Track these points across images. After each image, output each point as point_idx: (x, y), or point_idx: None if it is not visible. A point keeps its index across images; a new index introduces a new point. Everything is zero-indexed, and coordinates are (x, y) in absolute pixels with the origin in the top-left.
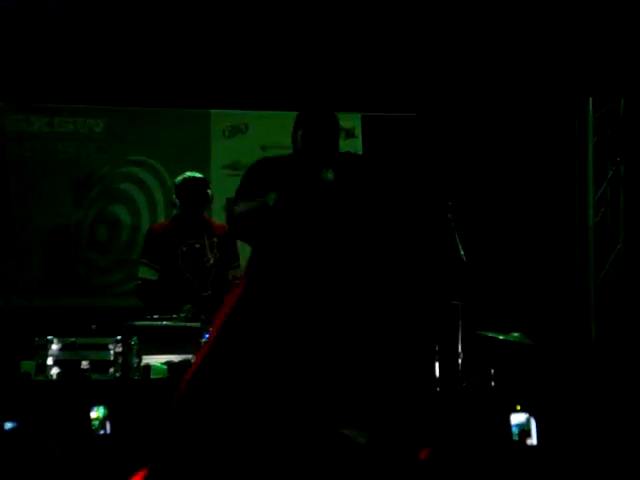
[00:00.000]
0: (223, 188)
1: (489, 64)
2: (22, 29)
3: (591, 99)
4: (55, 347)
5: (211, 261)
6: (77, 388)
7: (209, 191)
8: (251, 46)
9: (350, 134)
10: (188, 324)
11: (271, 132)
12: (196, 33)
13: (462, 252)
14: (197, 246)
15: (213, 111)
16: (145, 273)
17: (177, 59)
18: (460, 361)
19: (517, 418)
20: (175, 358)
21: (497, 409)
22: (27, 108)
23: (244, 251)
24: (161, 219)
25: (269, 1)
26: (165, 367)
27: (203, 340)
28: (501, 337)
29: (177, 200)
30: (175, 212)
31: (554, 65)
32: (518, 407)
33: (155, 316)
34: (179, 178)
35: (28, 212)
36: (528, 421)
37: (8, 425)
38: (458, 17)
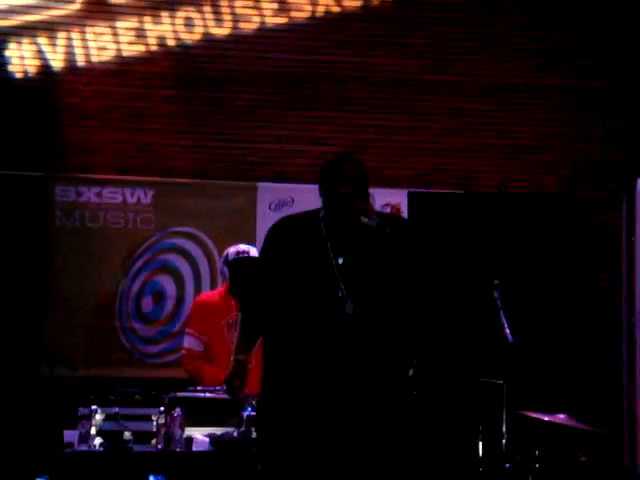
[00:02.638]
0: None
1: (538, 143)
2: (71, 100)
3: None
4: (98, 417)
5: None
6: (120, 459)
7: None
8: (298, 120)
9: (395, 209)
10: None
11: (317, 206)
12: (242, 106)
13: (508, 331)
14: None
15: (260, 184)
16: (191, 343)
17: (225, 132)
18: (504, 441)
19: None
20: (218, 431)
21: None
22: (76, 179)
23: None
24: (206, 290)
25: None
26: (207, 439)
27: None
28: (546, 418)
29: (227, 271)
30: (222, 283)
31: (604, 145)
32: None
33: (198, 387)
34: (233, 250)
35: (75, 282)
36: None
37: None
38: (512, 93)
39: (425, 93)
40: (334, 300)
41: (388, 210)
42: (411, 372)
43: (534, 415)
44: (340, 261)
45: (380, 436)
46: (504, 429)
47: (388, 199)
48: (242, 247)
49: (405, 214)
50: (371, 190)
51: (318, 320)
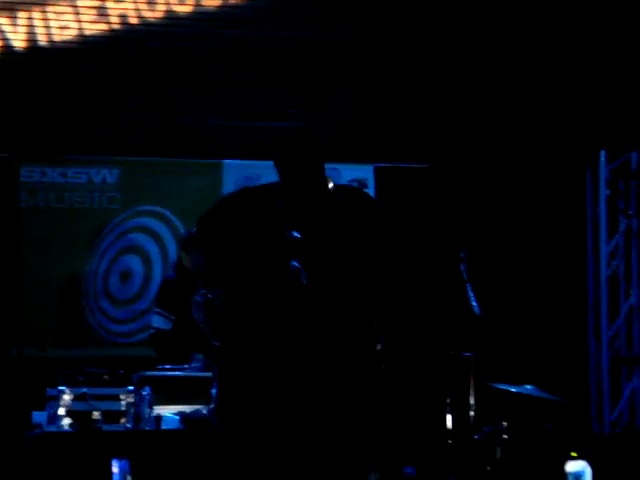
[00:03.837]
0: None
1: (502, 115)
2: (35, 81)
3: (604, 152)
4: (67, 398)
5: None
6: (89, 439)
7: None
8: (264, 97)
9: (362, 184)
10: (200, 374)
11: None
12: (206, 84)
13: (475, 304)
14: (210, 296)
15: (226, 161)
16: (159, 323)
17: (190, 110)
18: (472, 413)
19: (573, 466)
20: (187, 409)
21: (551, 457)
22: (41, 159)
23: None
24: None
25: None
26: (177, 417)
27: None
28: (514, 389)
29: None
30: None
31: (567, 117)
32: (574, 454)
33: (167, 366)
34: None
35: (41, 262)
36: (584, 469)
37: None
38: (472, 68)
39: (388, 68)
40: (289, 272)
41: (354, 185)
42: (379, 347)
43: (502, 387)
44: (296, 234)
45: (345, 410)
46: (472, 401)
47: (355, 174)
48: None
49: (371, 189)
50: (337, 165)
51: (273, 291)
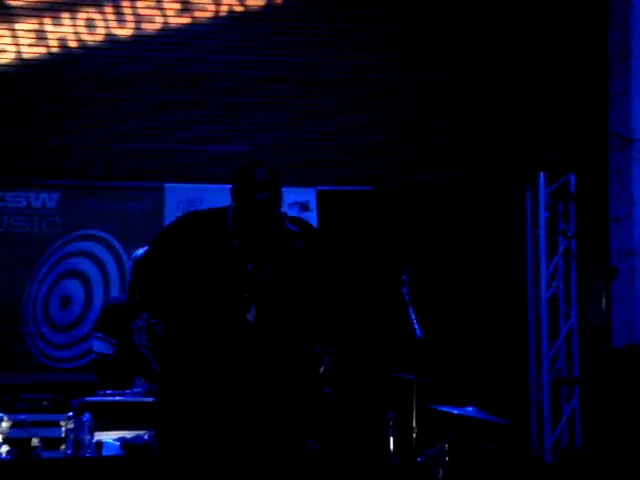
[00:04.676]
0: None
1: (443, 137)
2: None
3: (542, 174)
4: (5, 425)
5: None
6: (28, 466)
7: None
8: (203, 121)
9: (304, 207)
10: (141, 399)
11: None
12: (146, 107)
13: (417, 326)
14: (152, 321)
15: (167, 185)
16: (101, 347)
17: (130, 134)
18: (414, 435)
19: None
20: (128, 434)
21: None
22: None
23: None
24: (114, 293)
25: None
26: (117, 443)
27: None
28: (455, 411)
29: None
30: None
31: (505, 140)
32: None
33: (108, 391)
34: (142, 252)
35: None
36: None
37: None
38: (414, 88)
39: (331, 90)
40: (237, 306)
41: (296, 208)
42: (322, 370)
43: (443, 409)
44: (249, 267)
45: (285, 433)
46: (414, 423)
47: (296, 198)
48: (152, 245)
49: (314, 212)
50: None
51: (217, 323)
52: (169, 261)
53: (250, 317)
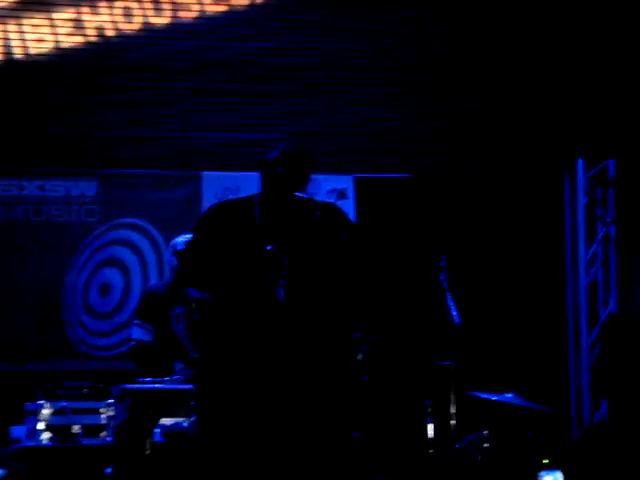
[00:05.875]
0: None
1: (482, 124)
2: (11, 93)
3: (581, 160)
4: (46, 412)
5: None
6: (69, 453)
7: None
8: (244, 108)
9: (341, 195)
10: (180, 387)
11: None
12: (184, 95)
13: (455, 313)
14: (190, 308)
15: (205, 173)
16: (140, 334)
17: (168, 122)
18: (453, 422)
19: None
20: (167, 421)
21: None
22: (18, 173)
23: None
24: (153, 281)
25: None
26: (157, 430)
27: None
28: (494, 398)
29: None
30: (169, 273)
31: (544, 126)
32: (546, 461)
33: (147, 379)
34: (181, 241)
35: (21, 276)
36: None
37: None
38: (453, 77)
39: (368, 77)
40: (265, 287)
41: (334, 195)
42: (360, 356)
43: (482, 395)
44: (270, 247)
45: (324, 420)
46: (453, 410)
47: (334, 185)
48: (189, 238)
49: (351, 199)
50: (316, 176)
51: (250, 306)
52: (204, 251)
53: (280, 296)
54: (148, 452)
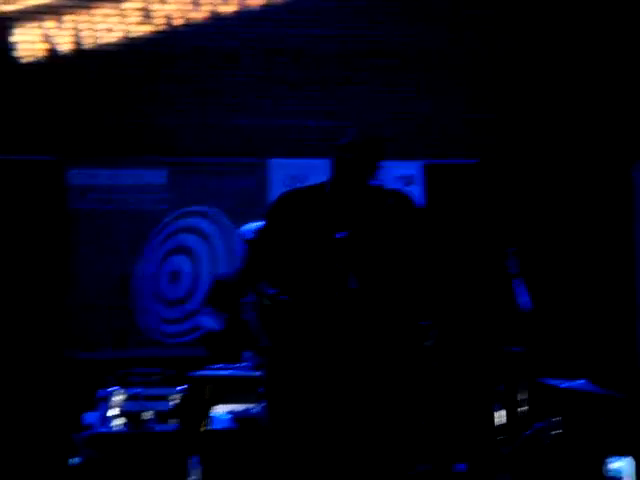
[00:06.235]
0: None
1: (552, 111)
2: (82, 83)
3: None
4: (118, 398)
5: None
6: (141, 439)
7: None
8: (310, 96)
9: (409, 181)
10: (250, 373)
11: None
12: (252, 83)
13: (526, 298)
14: (261, 296)
15: (273, 161)
16: (210, 322)
17: (237, 110)
18: (523, 409)
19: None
20: (237, 408)
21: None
22: (90, 161)
23: None
24: (222, 268)
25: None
26: (228, 417)
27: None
28: (565, 385)
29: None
30: (238, 261)
31: (615, 115)
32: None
33: (217, 366)
34: (249, 228)
35: (92, 264)
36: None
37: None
38: (521, 66)
39: (435, 64)
40: (336, 275)
41: (401, 182)
42: (430, 343)
43: (553, 382)
44: (342, 234)
45: (395, 407)
46: (523, 397)
47: (401, 171)
48: (257, 225)
49: (419, 186)
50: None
51: (320, 296)
52: (275, 239)
53: (351, 284)
54: (211, 438)
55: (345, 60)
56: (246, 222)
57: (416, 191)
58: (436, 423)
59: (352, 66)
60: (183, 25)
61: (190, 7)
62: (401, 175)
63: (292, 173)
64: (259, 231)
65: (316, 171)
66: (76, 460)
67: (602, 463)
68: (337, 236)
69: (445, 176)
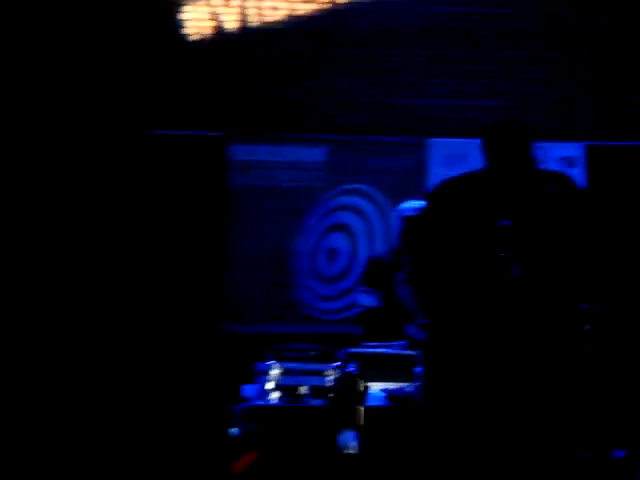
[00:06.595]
0: None
1: None
2: (247, 61)
3: None
4: (275, 372)
5: None
6: (297, 413)
7: None
8: (471, 74)
9: (571, 163)
10: (404, 352)
11: None
12: (412, 62)
13: None
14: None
15: (432, 140)
16: (367, 300)
17: (396, 89)
18: None
19: None
20: (391, 386)
21: None
22: (251, 138)
23: None
24: (379, 247)
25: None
26: (383, 394)
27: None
28: None
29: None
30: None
31: None
32: None
33: (372, 343)
34: (406, 207)
35: (252, 239)
36: None
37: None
38: None
39: (595, 42)
40: (498, 263)
41: (563, 164)
42: (588, 327)
43: None
44: (506, 222)
45: (551, 392)
46: None
47: (563, 153)
48: (415, 204)
49: (582, 168)
50: (544, 144)
51: (481, 283)
52: (435, 224)
53: (513, 272)
54: (366, 415)
55: (506, 39)
56: (404, 201)
57: (578, 174)
58: (594, 410)
59: (513, 45)
60: (346, 3)
61: None
62: (562, 156)
63: (451, 152)
64: (419, 213)
65: (475, 150)
66: (235, 431)
67: None
68: (501, 224)
69: (609, 158)
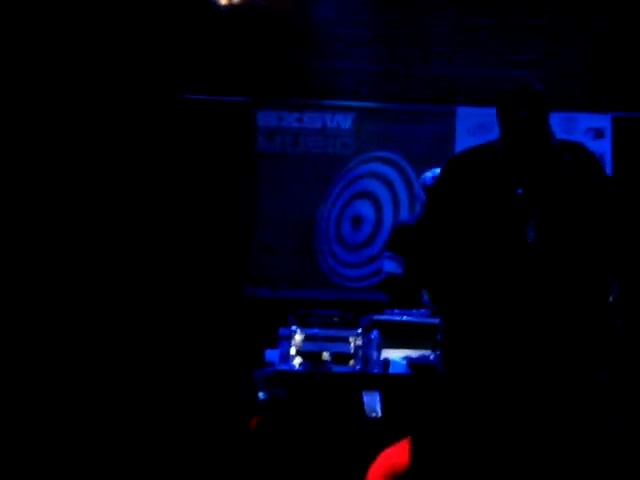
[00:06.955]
0: None
1: None
2: (274, 27)
3: None
4: (298, 338)
5: None
6: (319, 379)
7: None
8: (498, 44)
9: (599, 134)
10: (427, 320)
11: None
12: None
13: None
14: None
15: (459, 108)
16: (391, 267)
17: (426, 57)
18: None
19: None
20: (413, 353)
21: None
22: (278, 104)
23: None
24: (404, 214)
25: None
26: (404, 362)
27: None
28: None
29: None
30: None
31: None
32: None
33: (395, 310)
34: (430, 175)
35: (276, 205)
36: None
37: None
38: None
39: (623, 13)
40: (513, 228)
41: (590, 135)
42: (611, 298)
43: None
44: (519, 191)
45: (574, 364)
46: None
47: (590, 123)
48: (438, 173)
49: (608, 139)
50: (572, 114)
51: (499, 252)
52: (448, 200)
53: (530, 239)
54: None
55: (538, 8)
56: (428, 169)
57: (605, 145)
58: (616, 379)
59: (542, 15)
60: None
61: None
62: (589, 127)
63: (479, 121)
64: (435, 184)
65: None
66: (262, 395)
67: None
68: (517, 192)
69: (636, 129)
